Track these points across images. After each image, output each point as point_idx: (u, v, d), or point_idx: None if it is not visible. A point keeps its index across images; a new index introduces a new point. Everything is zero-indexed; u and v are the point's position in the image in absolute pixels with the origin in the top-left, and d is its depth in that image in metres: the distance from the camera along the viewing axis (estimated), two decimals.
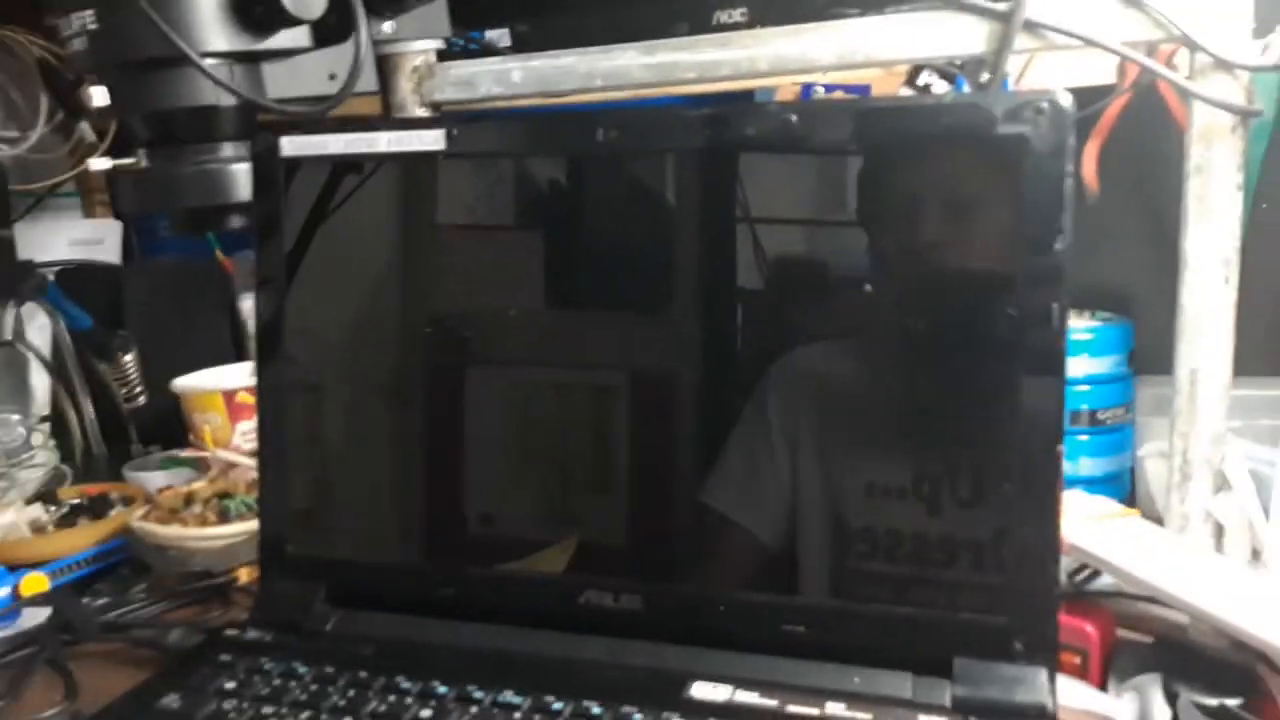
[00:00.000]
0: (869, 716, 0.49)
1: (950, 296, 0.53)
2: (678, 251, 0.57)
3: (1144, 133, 0.73)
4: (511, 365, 0.62)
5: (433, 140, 0.59)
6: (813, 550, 0.55)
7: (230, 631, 0.60)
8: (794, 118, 0.52)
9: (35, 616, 0.66)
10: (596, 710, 0.50)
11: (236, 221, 0.69)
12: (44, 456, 0.92)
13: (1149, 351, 0.78)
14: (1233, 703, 0.49)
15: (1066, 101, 0.48)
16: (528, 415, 0.61)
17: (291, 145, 0.61)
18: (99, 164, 0.69)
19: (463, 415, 0.62)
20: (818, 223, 0.58)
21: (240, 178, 0.67)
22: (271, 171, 0.62)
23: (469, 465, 0.62)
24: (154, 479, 0.85)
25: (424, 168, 0.61)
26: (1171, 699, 0.50)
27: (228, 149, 0.68)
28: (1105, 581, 0.59)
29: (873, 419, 0.55)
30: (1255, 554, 0.62)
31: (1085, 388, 0.76)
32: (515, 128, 0.61)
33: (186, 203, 0.66)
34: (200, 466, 0.86)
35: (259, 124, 0.66)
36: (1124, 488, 0.79)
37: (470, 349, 0.62)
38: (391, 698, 0.52)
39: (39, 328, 1.00)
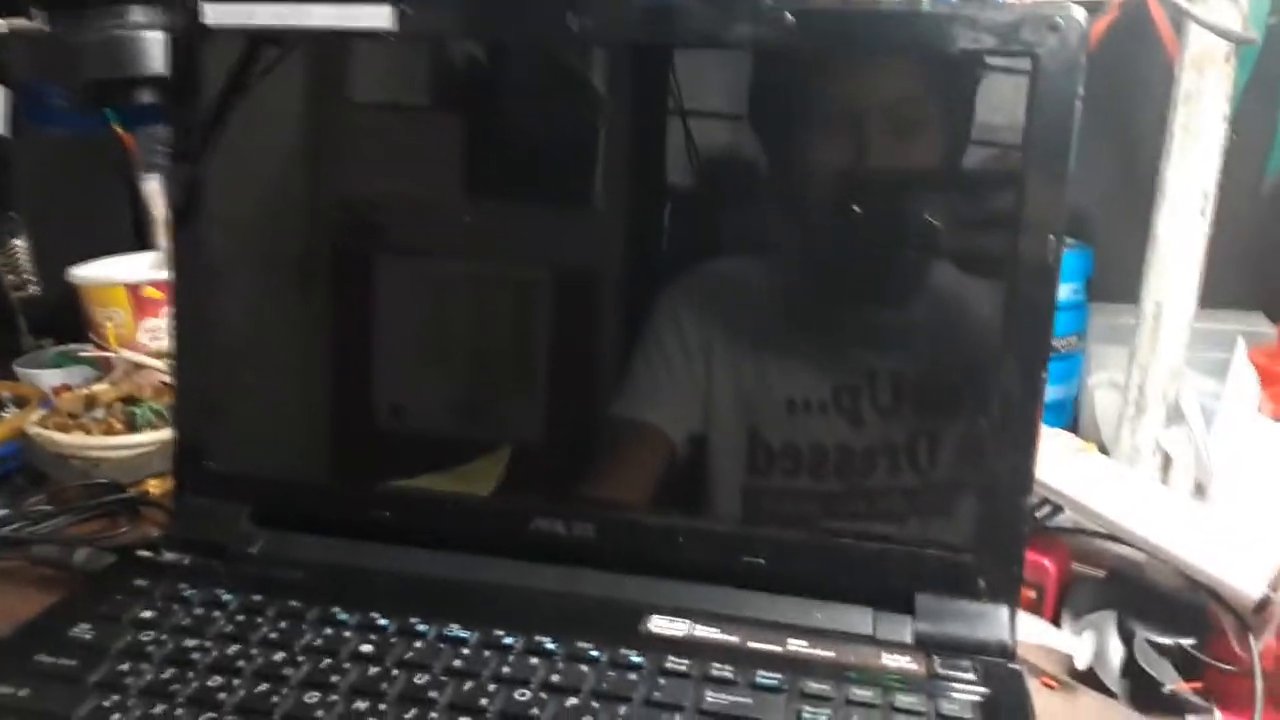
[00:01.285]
0: (831, 654, 0.48)
1: (915, 209, 0.50)
2: (607, 143, 0.53)
3: (1123, 56, 0.71)
4: (429, 256, 0.57)
5: (373, 17, 0.53)
6: (741, 468, 0.53)
7: (144, 552, 0.55)
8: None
9: None
10: (550, 645, 0.47)
11: (146, 96, 0.61)
12: None
13: (1106, 279, 0.77)
14: (1187, 641, 0.49)
15: (1081, 17, 0.45)
16: (446, 310, 0.57)
17: (214, 13, 0.54)
18: None
19: (379, 310, 0.57)
20: (759, 120, 0.53)
21: (152, 47, 0.60)
22: (190, 42, 0.55)
23: (387, 364, 0.58)
24: (48, 377, 0.78)
25: (353, 45, 0.55)
26: (1127, 636, 0.50)
27: (138, 14, 0.60)
28: (1064, 517, 0.58)
29: (830, 338, 0.52)
30: (1199, 488, 0.63)
31: None
32: (457, 9, 0.55)
33: (92, 74, 0.58)
34: (100, 365, 0.79)
35: None
36: (1067, 415, 0.79)
37: (385, 239, 0.57)
38: (328, 630, 0.48)
39: None
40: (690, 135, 0.51)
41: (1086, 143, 0.81)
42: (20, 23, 0.58)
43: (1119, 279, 0.70)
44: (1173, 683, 0.48)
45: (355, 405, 0.59)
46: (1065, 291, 0.75)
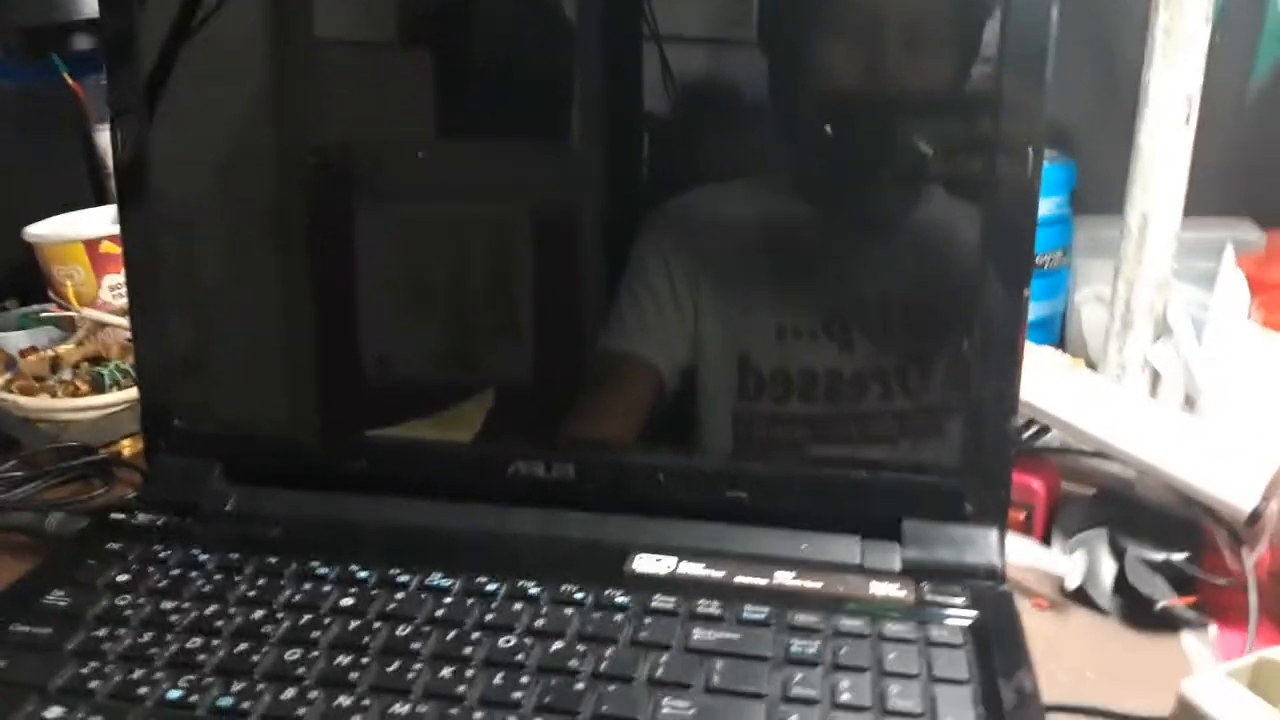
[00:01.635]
0: (819, 584, 0.47)
1: (893, 127, 0.48)
2: (578, 73, 0.51)
3: None
4: (401, 200, 0.55)
5: None
6: (730, 397, 0.52)
7: (117, 515, 0.54)
8: None
9: None
10: (534, 590, 0.46)
11: (83, 41, 0.58)
12: None
13: (1090, 191, 0.75)
14: (1179, 557, 0.48)
15: None
16: (424, 254, 0.55)
17: None
18: None
19: (352, 256, 0.55)
20: (734, 43, 0.51)
21: None
22: None
23: (363, 311, 0.56)
24: (14, 339, 0.76)
25: None
26: (1118, 553, 0.50)
27: None
28: (1051, 436, 0.57)
29: (808, 259, 0.51)
30: (1189, 401, 0.62)
31: None
32: None
33: (23, 20, 0.55)
34: (66, 326, 0.77)
35: None
36: (1054, 333, 0.78)
37: (352, 181, 0.55)
38: (307, 585, 0.47)
39: None
40: (666, 60, 0.49)
41: (1067, 52, 0.79)
42: None
43: (1103, 191, 0.69)
44: (1166, 599, 0.47)
45: (328, 355, 0.58)
46: (1048, 206, 0.73)
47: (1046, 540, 0.54)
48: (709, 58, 0.50)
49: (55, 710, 0.40)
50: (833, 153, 0.50)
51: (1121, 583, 0.49)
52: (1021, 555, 0.51)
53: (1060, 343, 0.78)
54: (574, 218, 0.53)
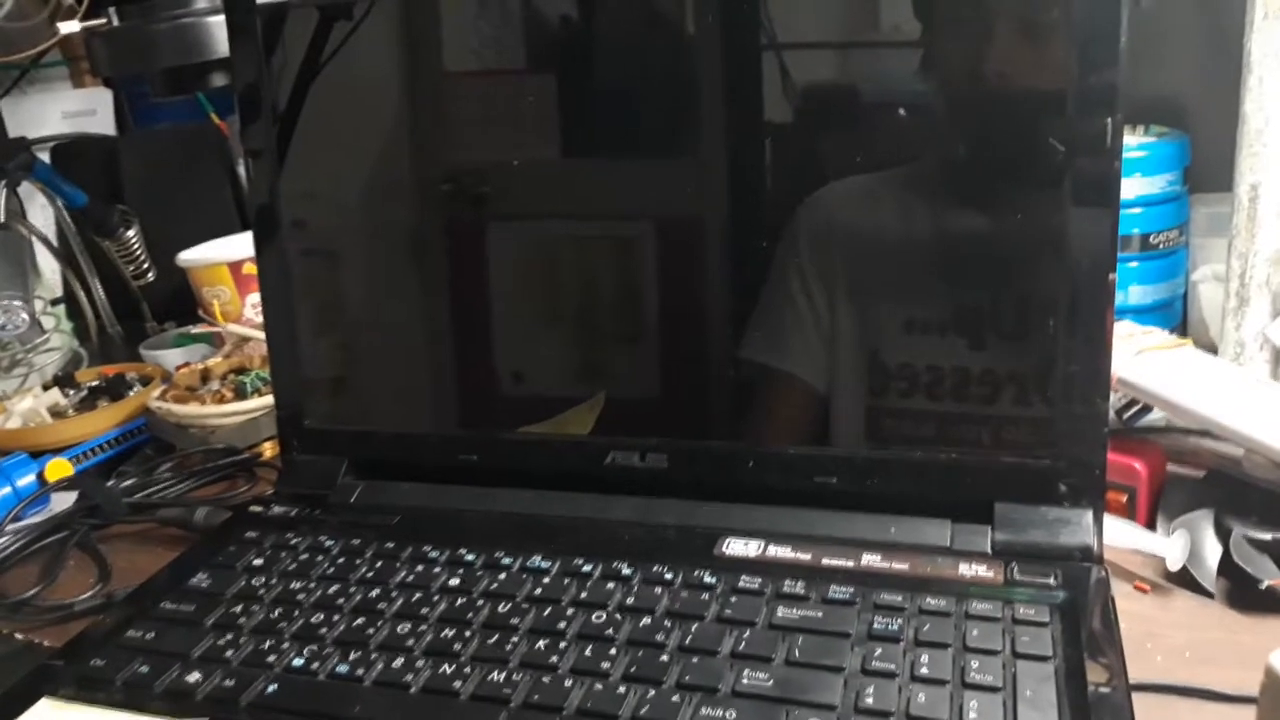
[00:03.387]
0: (905, 566, 0.47)
1: (995, 118, 0.49)
2: (699, 87, 0.52)
3: None
4: (530, 219, 0.58)
5: None
6: (852, 392, 0.53)
7: (255, 508, 0.59)
8: None
9: (63, 501, 0.66)
10: (626, 570, 0.48)
11: (220, 79, 0.64)
12: (59, 340, 0.91)
13: (1205, 168, 0.72)
14: None
15: None
16: (551, 270, 0.58)
17: None
18: (68, 27, 0.64)
19: (482, 273, 0.59)
20: (850, 45, 0.52)
21: (218, 31, 0.62)
22: (246, 22, 0.57)
23: (492, 324, 0.59)
24: (171, 356, 0.84)
25: (419, 9, 0.56)
26: (1224, 534, 0.48)
27: (202, 1, 0.63)
28: (1156, 416, 0.56)
29: (912, 253, 0.51)
30: None
31: (1137, 210, 0.71)
32: None
33: (161, 63, 0.62)
34: (216, 342, 0.84)
35: None
36: (1176, 315, 0.75)
37: (486, 203, 0.58)
38: (419, 567, 0.51)
39: (40, 208, 0.97)
40: (785, 68, 0.50)
41: (1178, 26, 0.77)
42: (94, 23, 0.61)
43: (1220, 167, 0.66)
44: (1272, 578, 0.45)
45: (447, 361, 0.61)
46: (1160, 183, 0.70)
47: (1151, 523, 0.52)
48: (825, 63, 0.52)
49: (195, 675, 0.44)
50: (954, 144, 0.50)
51: (1226, 564, 0.47)
52: (1122, 538, 0.49)
53: (1182, 324, 0.75)
54: (699, 229, 0.54)
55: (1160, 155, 0.71)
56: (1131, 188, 0.70)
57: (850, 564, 0.48)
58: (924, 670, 0.40)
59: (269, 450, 0.71)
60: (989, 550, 0.48)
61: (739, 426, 0.55)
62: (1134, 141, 0.71)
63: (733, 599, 0.46)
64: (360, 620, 0.47)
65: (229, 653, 0.46)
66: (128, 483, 0.68)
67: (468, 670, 0.43)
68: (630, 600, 0.46)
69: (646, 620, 0.45)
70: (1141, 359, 0.53)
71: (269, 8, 0.57)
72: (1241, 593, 0.46)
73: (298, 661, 0.45)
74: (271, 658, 0.45)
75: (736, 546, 0.50)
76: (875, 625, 0.43)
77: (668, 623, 0.45)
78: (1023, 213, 0.48)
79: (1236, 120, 0.61)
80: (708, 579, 0.47)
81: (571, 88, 0.55)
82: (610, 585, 0.48)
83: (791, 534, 0.50)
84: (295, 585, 0.51)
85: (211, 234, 0.90)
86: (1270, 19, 0.55)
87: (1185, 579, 0.48)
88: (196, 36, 0.61)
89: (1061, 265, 0.46)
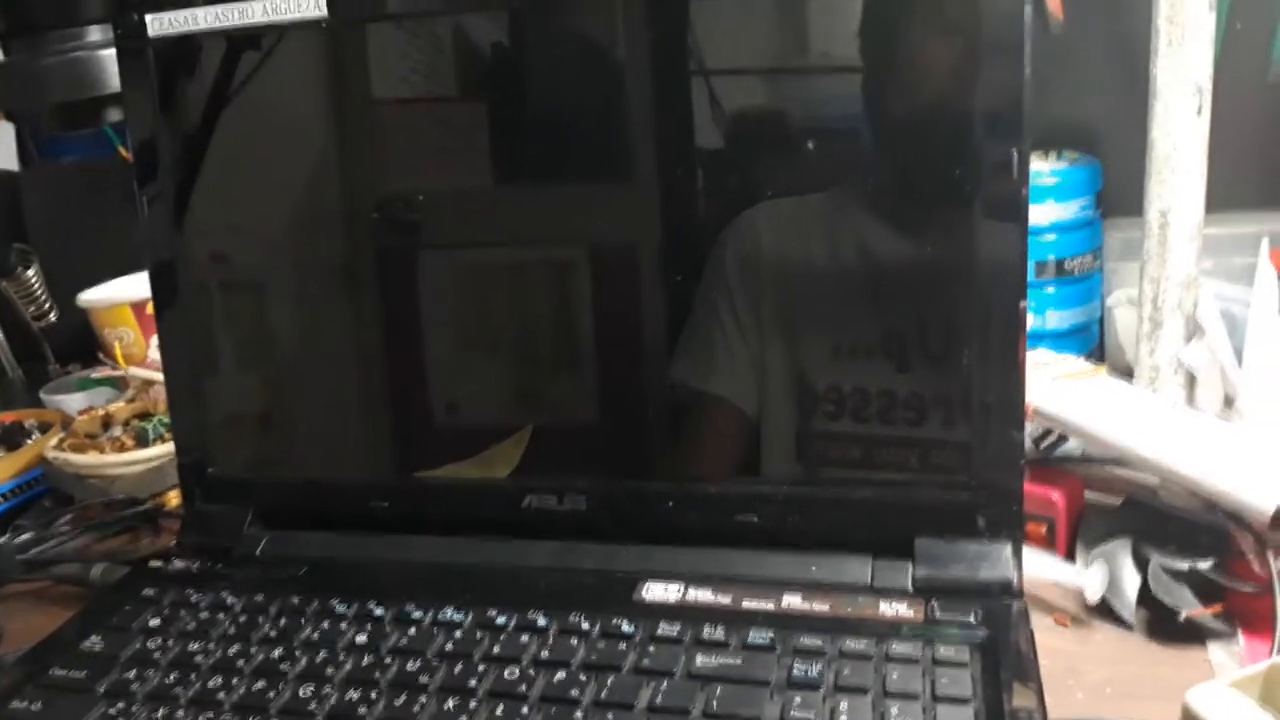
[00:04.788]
0: (826, 606, 0.46)
1: (911, 145, 0.48)
2: (630, 113, 0.51)
3: None
4: (459, 247, 0.56)
5: (312, 5, 0.52)
6: (781, 415, 0.52)
7: (155, 563, 0.56)
8: None
9: None
10: (542, 621, 0.47)
11: (115, 114, 0.62)
12: None
13: (1117, 192, 0.73)
14: (1204, 565, 0.47)
15: None
16: (480, 298, 0.56)
17: (158, 23, 0.54)
18: None
19: (411, 303, 0.57)
20: (776, 71, 0.52)
21: (112, 64, 0.60)
22: (140, 55, 0.55)
23: (418, 356, 0.57)
24: (73, 401, 0.80)
25: (318, 37, 0.54)
26: (1142, 564, 0.48)
27: (95, 33, 0.61)
28: (1072, 445, 0.56)
29: (836, 277, 0.51)
30: (1228, 401, 0.60)
31: (1051, 236, 0.71)
32: None
33: (53, 97, 0.59)
34: (121, 385, 0.81)
35: (124, 1, 0.58)
36: (1092, 339, 0.76)
37: (415, 231, 0.56)
38: (325, 623, 0.49)
39: None
40: (714, 94, 0.50)
41: (1088, 51, 0.78)
42: None
43: (1132, 191, 0.67)
44: (1190, 608, 0.45)
45: (358, 402, 0.59)
46: (1073, 209, 0.71)
47: (1071, 553, 0.52)
48: (753, 90, 0.51)
49: None
50: (876, 174, 0.50)
51: (1145, 594, 0.47)
52: (1042, 570, 0.49)
53: (1099, 349, 0.76)
54: (632, 255, 0.53)
55: (1073, 181, 0.71)
56: (1045, 213, 0.71)
57: (770, 606, 0.47)
58: (843, 718, 0.39)
59: (174, 500, 0.68)
60: (909, 587, 0.47)
61: (666, 459, 0.54)
62: (1047, 167, 0.72)
63: (650, 648, 0.44)
64: (261, 683, 0.45)
65: None
66: (23, 538, 0.64)
67: None
68: (545, 653, 0.45)
69: (561, 675, 0.43)
70: (1056, 387, 0.53)
71: (163, 39, 0.55)
72: (1161, 624, 0.46)
73: None
74: None
75: (656, 591, 0.49)
76: (795, 671, 0.42)
77: (583, 676, 0.43)
78: (938, 240, 0.48)
79: (1146, 145, 0.61)
80: (625, 627, 0.46)
81: (502, 114, 0.54)
82: (525, 638, 0.46)
83: (712, 575, 0.49)
84: (194, 646, 0.48)
85: (119, 272, 0.87)
86: (1174, 46, 0.55)
87: (1105, 610, 0.48)
88: (89, 70, 0.59)
89: (974, 293, 0.46)
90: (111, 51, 0.60)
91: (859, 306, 0.50)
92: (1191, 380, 0.61)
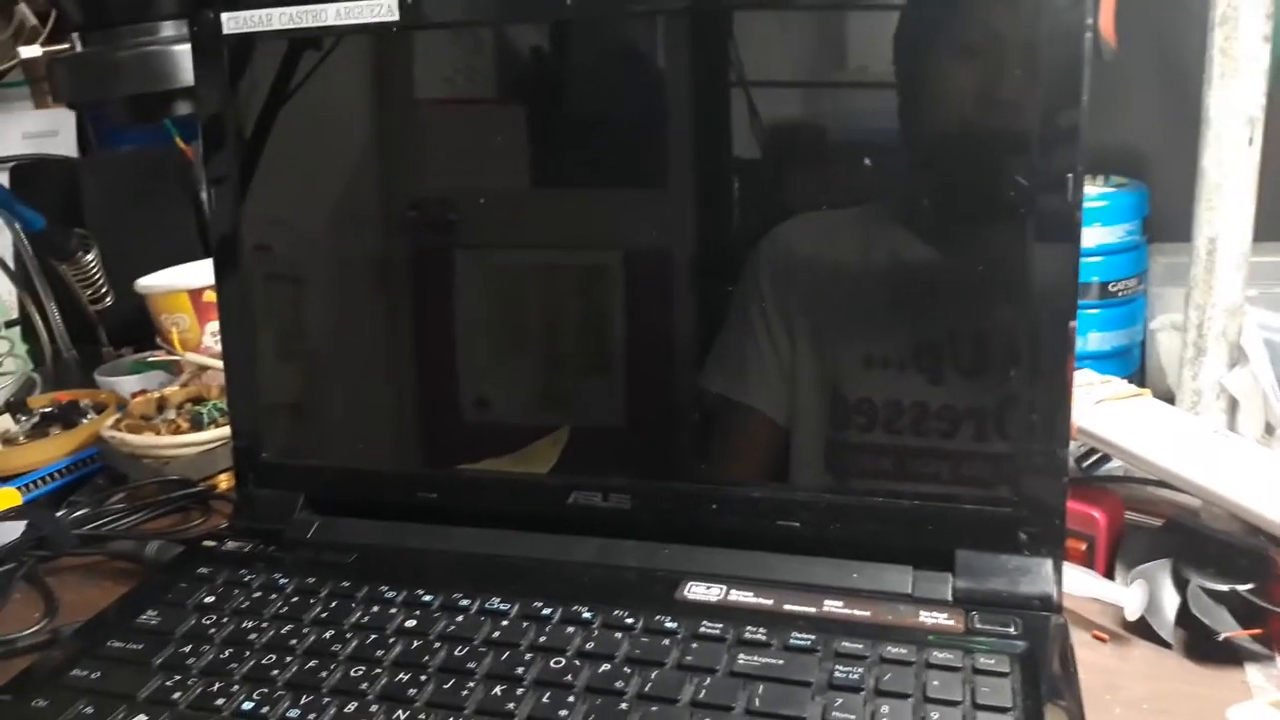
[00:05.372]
0: (867, 613, 0.47)
1: (961, 164, 0.49)
2: (669, 121, 0.52)
3: None
4: (496, 248, 0.58)
5: (386, 10, 0.54)
6: (812, 429, 0.53)
7: (209, 542, 0.58)
8: None
9: (9, 532, 0.64)
10: (586, 614, 0.48)
11: (184, 108, 0.64)
12: (13, 364, 0.89)
13: (1164, 218, 0.74)
14: (1244, 588, 0.47)
15: None
16: (516, 299, 0.57)
17: (233, 21, 0.56)
18: (29, 51, 0.63)
19: (448, 301, 0.58)
20: (818, 85, 0.53)
21: (184, 59, 0.62)
22: (214, 52, 0.57)
23: (457, 353, 0.58)
24: (126, 383, 0.82)
25: (386, 41, 0.56)
26: (1181, 585, 0.48)
27: (168, 28, 0.63)
28: (1114, 465, 0.56)
29: (873, 293, 0.52)
30: (1269, 429, 0.60)
31: (1096, 258, 0.72)
32: None
33: (125, 90, 0.61)
34: (174, 370, 0.83)
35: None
36: (1134, 362, 0.76)
37: (454, 231, 0.58)
38: (375, 608, 0.50)
39: None
40: (753, 104, 0.51)
41: (1138, 77, 0.79)
42: (57, 48, 0.60)
43: (1178, 217, 0.67)
44: (1229, 630, 0.46)
45: (409, 395, 0.61)
46: (1119, 233, 0.72)
47: (1110, 572, 0.53)
48: (793, 101, 0.52)
49: (141, 718, 0.43)
50: (919, 191, 0.50)
51: (1184, 614, 0.47)
52: (1081, 586, 0.50)
53: (1140, 372, 0.76)
54: (666, 261, 0.54)
55: (1120, 205, 0.72)
56: (1091, 236, 0.71)
57: (812, 610, 0.48)
58: None
59: (224, 483, 0.69)
60: (950, 598, 0.48)
61: (702, 464, 0.55)
62: (1094, 191, 0.72)
63: (694, 645, 0.45)
64: (313, 662, 0.46)
65: (176, 695, 0.45)
66: (78, 513, 0.66)
67: (422, 717, 0.42)
68: (590, 645, 0.46)
69: (606, 666, 0.44)
70: (1101, 408, 0.54)
71: (237, 37, 0.56)
72: (1199, 644, 0.47)
73: (247, 705, 0.44)
74: (220, 701, 0.44)
75: (698, 591, 0.50)
76: (836, 674, 0.43)
77: (627, 669, 0.44)
78: (986, 260, 0.48)
79: (1194, 173, 0.62)
80: (669, 624, 0.47)
81: (542, 119, 0.55)
82: (570, 629, 0.47)
83: (753, 578, 0.50)
84: (247, 624, 0.49)
85: (173, 260, 0.89)
86: (1227, 77, 0.56)
87: (1143, 629, 0.49)
88: (161, 64, 0.61)
89: (1023, 313, 0.47)
90: (182, 47, 0.62)
91: (900, 320, 0.51)
92: (1233, 406, 0.62)
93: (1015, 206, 0.46)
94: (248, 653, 0.47)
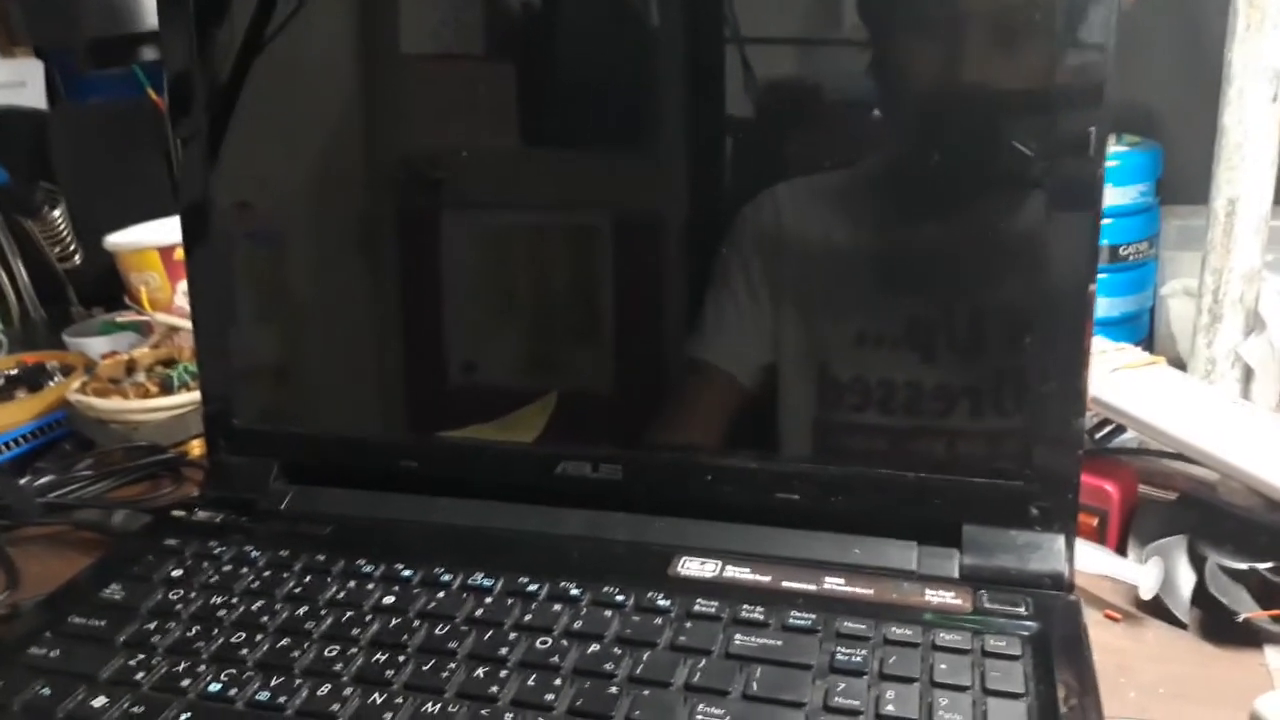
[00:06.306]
0: (869, 591, 0.45)
1: (972, 123, 0.46)
2: (660, 78, 0.50)
3: None
4: (483, 207, 0.55)
5: None
6: (805, 403, 0.50)
7: (178, 512, 0.55)
8: None
9: None
10: (575, 591, 0.46)
11: (151, 53, 0.60)
12: None
13: (1177, 179, 0.71)
14: (1263, 566, 0.45)
15: None
16: (504, 260, 0.55)
17: None
18: None
19: (433, 261, 0.55)
20: (817, 42, 0.49)
21: (149, 2, 0.58)
22: None
23: (442, 314, 0.56)
24: (95, 344, 0.79)
25: None
26: (1198, 562, 0.46)
27: None
28: (1128, 437, 0.54)
29: (871, 261, 0.49)
30: None
31: (1107, 221, 0.69)
32: None
33: (86, 32, 0.57)
34: (145, 330, 0.80)
35: None
36: (1143, 329, 0.73)
37: (439, 190, 0.55)
38: (351, 583, 0.47)
39: None
40: (748, 63, 0.48)
41: (1153, 33, 0.76)
42: None
43: (1192, 179, 0.65)
44: (1247, 610, 0.44)
45: (387, 359, 0.58)
46: (1132, 194, 0.69)
47: (1122, 548, 0.50)
48: (790, 59, 0.49)
49: (101, 700, 0.41)
50: (926, 153, 0.47)
51: (1200, 593, 0.45)
52: (1092, 563, 0.48)
53: (1149, 338, 0.74)
54: (657, 223, 0.52)
55: (1132, 165, 0.69)
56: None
57: (812, 587, 0.45)
58: (890, 708, 0.38)
59: (196, 449, 0.67)
60: (956, 575, 0.46)
61: (692, 432, 0.52)
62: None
63: (688, 624, 0.43)
64: (285, 641, 0.44)
65: (139, 675, 0.42)
66: (43, 481, 0.63)
67: (399, 700, 0.40)
68: (578, 624, 0.43)
69: (595, 647, 0.42)
70: (1116, 377, 0.51)
71: None
72: (1216, 625, 0.45)
73: (214, 687, 0.41)
74: (185, 682, 0.42)
75: (692, 566, 0.47)
76: (838, 656, 0.41)
77: (618, 650, 0.42)
78: (1000, 223, 0.46)
79: (1211, 132, 0.59)
80: (661, 602, 0.44)
81: (531, 75, 0.53)
82: (557, 607, 0.45)
83: (750, 554, 0.48)
84: (216, 600, 0.47)
85: (145, 216, 0.85)
86: (1253, 30, 0.53)
87: (1157, 608, 0.47)
88: (124, 6, 0.57)
89: (1039, 278, 0.44)
90: None
91: (895, 293, 0.48)
92: (1248, 374, 0.59)
93: (1034, 168, 0.44)
94: (216, 630, 0.45)
